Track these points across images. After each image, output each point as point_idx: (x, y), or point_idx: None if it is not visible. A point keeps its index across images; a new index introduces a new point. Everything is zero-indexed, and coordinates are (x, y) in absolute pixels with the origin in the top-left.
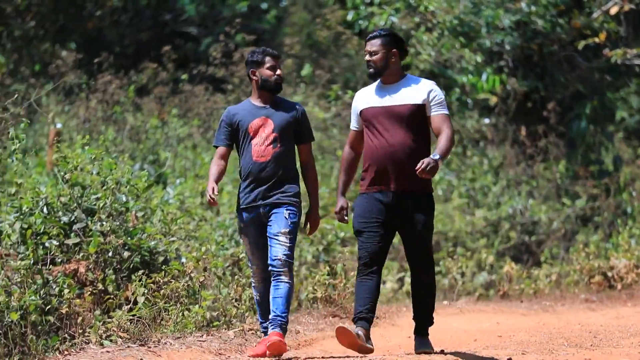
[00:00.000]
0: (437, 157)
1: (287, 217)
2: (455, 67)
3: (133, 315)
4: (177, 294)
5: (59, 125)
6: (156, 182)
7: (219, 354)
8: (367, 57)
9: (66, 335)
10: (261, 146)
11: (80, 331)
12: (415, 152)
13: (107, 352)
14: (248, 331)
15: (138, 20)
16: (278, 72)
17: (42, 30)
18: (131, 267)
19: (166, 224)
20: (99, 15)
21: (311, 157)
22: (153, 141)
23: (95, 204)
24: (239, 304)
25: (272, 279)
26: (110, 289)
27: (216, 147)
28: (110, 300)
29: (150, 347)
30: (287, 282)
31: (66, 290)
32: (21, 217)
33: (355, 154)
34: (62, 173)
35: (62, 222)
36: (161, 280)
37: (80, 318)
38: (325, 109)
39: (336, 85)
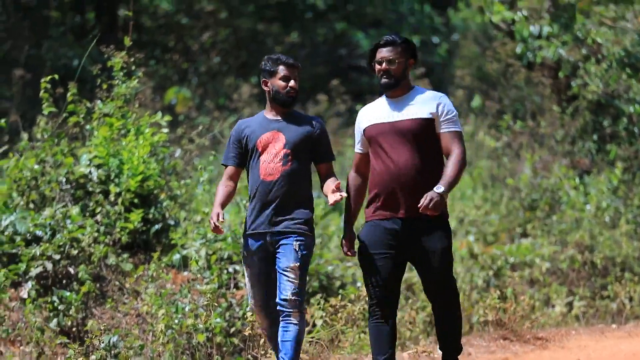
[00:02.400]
0: (441, 189)
1: (297, 249)
2: (622, 98)
3: (312, 337)
4: (353, 317)
5: None
6: (333, 210)
7: None
8: (384, 66)
9: (249, 356)
10: (270, 163)
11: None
12: (426, 173)
13: None
14: (422, 353)
15: (315, 55)
16: (292, 83)
17: (226, 65)
18: (310, 291)
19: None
20: (279, 51)
21: (333, 174)
22: None
23: None
24: (412, 327)
25: (280, 319)
26: None
27: (225, 166)
28: None
29: None
30: (296, 324)
31: (249, 313)
32: (206, 243)
33: (363, 179)
34: (244, 202)
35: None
36: (338, 304)
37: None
38: (496, 138)
39: (507, 115)
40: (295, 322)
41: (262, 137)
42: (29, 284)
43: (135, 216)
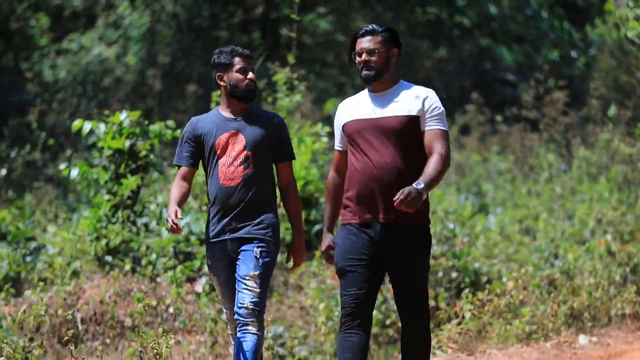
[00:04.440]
0: (420, 186)
1: (257, 255)
2: None
3: (461, 329)
4: (499, 310)
5: None
6: (479, 211)
7: None
8: (364, 57)
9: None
10: (229, 167)
11: None
12: (408, 175)
13: None
14: (563, 343)
15: (461, 69)
16: (250, 75)
17: None
18: (460, 286)
19: (488, 248)
20: (428, 66)
21: (292, 178)
22: (476, 174)
23: None
24: (554, 319)
25: (237, 329)
26: (441, 305)
27: (178, 166)
28: (441, 315)
29: (476, 357)
30: (254, 334)
31: None
32: None
33: (343, 179)
34: None
35: None
36: (485, 298)
37: None
38: (630, 145)
39: None
40: (254, 331)
41: (220, 138)
42: (203, 279)
43: None
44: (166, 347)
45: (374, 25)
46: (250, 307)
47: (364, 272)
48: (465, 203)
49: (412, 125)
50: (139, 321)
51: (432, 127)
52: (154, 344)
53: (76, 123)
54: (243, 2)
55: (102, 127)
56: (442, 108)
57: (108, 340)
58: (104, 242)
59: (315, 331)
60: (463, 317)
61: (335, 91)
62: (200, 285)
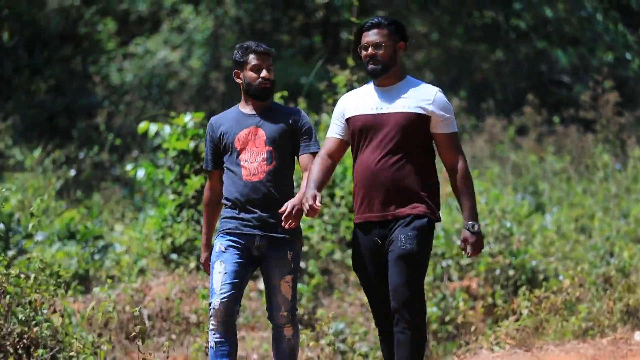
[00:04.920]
0: (475, 228)
1: (290, 259)
2: None
3: (519, 325)
4: (556, 307)
5: None
6: (536, 210)
7: (595, 359)
8: (370, 51)
9: (462, 341)
10: (252, 162)
11: (474, 338)
12: (410, 174)
13: (497, 356)
14: (619, 339)
15: (518, 71)
16: (264, 73)
17: (437, 80)
18: (517, 284)
19: (545, 246)
20: (485, 68)
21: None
22: (532, 174)
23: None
24: (610, 316)
25: (272, 329)
26: (498, 301)
27: (207, 170)
28: (499, 312)
29: (534, 353)
30: (290, 337)
31: (461, 303)
32: None
33: (332, 161)
34: (455, 204)
35: (455, 244)
36: (542, 295)
37: (473, 327)
38: None
39: None
40: (289, 335)
41: (239, 134)
42: None
43: None
44: None
45: (379, 18)
46: (286, 314)
47: (377, 273)
48: (522, 202)
49: (418, 123)
50: (204, 317)
51: (444, 130)
52: None
53: (142, 125)
54: (304, 6)
55: (167, 128)
56: (452, 107)
57: (174, 336)
58: (169, 240)
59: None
60: (520, 314)
61: None
62: (262, 283)
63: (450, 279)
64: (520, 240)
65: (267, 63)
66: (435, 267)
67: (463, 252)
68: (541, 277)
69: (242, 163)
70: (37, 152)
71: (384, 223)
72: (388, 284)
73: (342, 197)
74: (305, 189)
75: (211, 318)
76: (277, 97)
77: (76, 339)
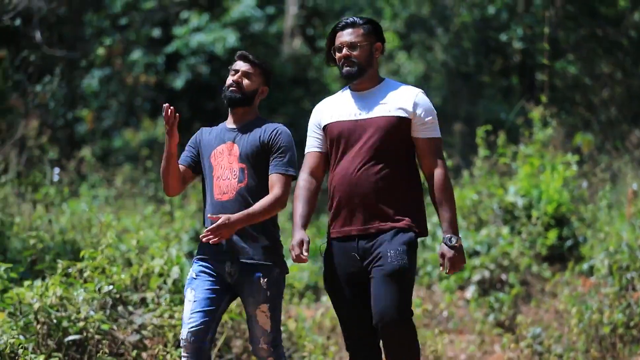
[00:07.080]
0: (454, 241)
1: (264, 286)
2: None
3: None
4: None
5: (634, 186)
6: None
7: None
8: (345, 52)
9: None
10: (224, 180)
11: None
12: (392, 182)
13: None
14: None
15: None
16: (235, 76)
17: (621, 115)
18: None
19: None
20: None
21: (280, 191)
22: None
23: None
24: None
25: None
26: None
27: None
28: None
29: None
30: None
31: None
32: (609, 255)
33: (317, 182)
34: (638, 223)
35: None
36: None
37: None
38: None
39: None
40: None
41: (216, 149)
42: (472, 287)
43: (552, 234)
44: (441, 345)
45: (354, 18)
46: (266, 347)
47: (352, 294)
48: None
49: (399, 128)
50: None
51: (426, 135)
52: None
53: None
54: (503, 51)
55: None
56: (435, 111)
57: None
58: None
59: (568, 332)
60: None
61: (582, 126)
62: (469, 292)
63: (634, 289)
64: None
65: (245, 69)
66: (621, 279)
67: (441, 269)
68: None
69: (214, 180)
70: None
71: (364, 237)
72: (364, 306)
73: (538, 218)
74: (293, 230)
75: (182, 349)
76: (481, 132)
77: (308, 341)
